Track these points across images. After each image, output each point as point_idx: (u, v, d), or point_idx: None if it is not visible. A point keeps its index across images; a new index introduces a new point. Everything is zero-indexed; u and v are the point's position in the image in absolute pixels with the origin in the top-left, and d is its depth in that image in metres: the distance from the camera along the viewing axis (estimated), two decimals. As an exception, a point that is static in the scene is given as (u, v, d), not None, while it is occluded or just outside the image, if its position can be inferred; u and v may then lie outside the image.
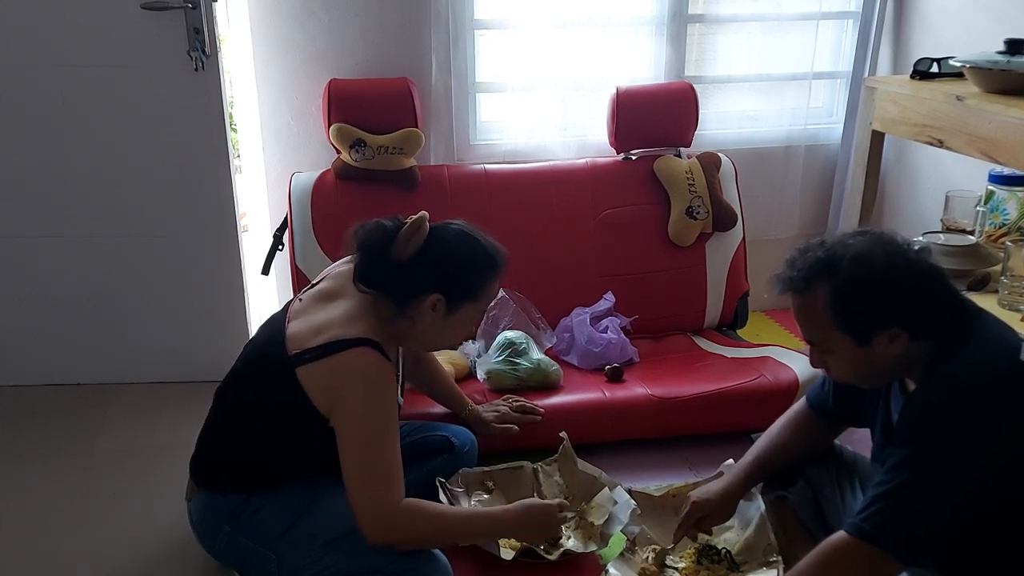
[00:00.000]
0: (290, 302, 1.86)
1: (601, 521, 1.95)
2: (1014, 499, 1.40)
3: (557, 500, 1.93)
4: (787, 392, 2.38)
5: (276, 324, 1.80)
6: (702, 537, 1.90)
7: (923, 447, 1.41)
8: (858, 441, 1.84)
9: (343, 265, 1.86)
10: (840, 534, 1.45)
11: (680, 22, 2.97)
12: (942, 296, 1.48)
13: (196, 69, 2.48)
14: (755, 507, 1.89)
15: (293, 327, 1.74)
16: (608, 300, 2.72)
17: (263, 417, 1.75)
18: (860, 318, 1.46)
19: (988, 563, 1.47)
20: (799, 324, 1.55)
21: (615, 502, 1.97)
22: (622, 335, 2.60)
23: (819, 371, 1.61)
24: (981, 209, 2.50)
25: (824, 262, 1.47)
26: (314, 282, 1.89)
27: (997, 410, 1.38)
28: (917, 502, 1.40)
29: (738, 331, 2.92)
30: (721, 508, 1.79)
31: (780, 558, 1.81)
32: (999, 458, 1.37)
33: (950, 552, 1.43)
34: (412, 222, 1.72)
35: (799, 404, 1.82)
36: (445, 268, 1.74)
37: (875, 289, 1.44)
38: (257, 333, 1.91)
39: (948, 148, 2.27)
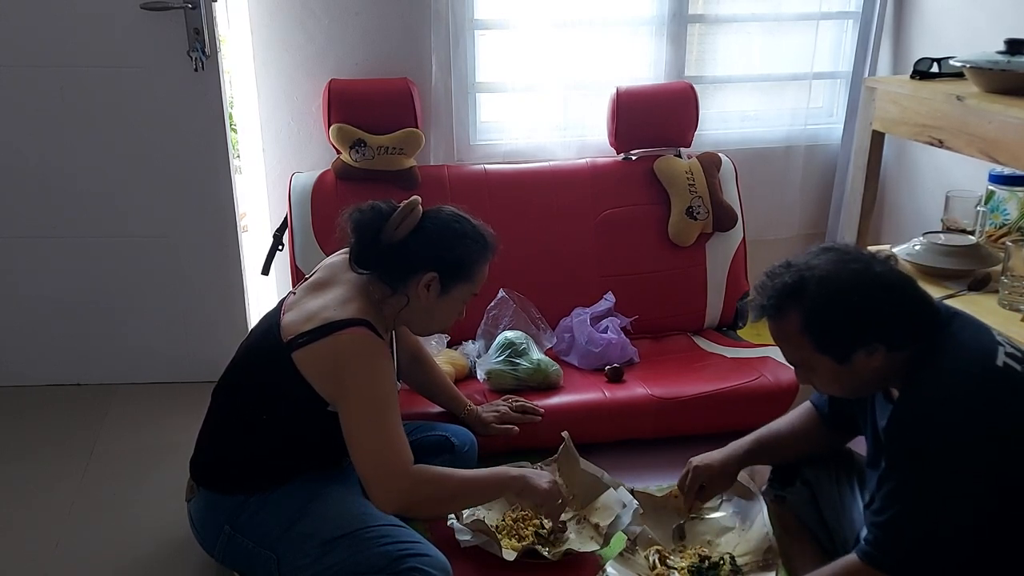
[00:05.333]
0: (285, 297, 1.87)
1: (607, 522, 1.95)
2: (1016, 510, 1.40)
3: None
4: (787, 392, 2.38)
5: (271, 318, 1.82)
6: (701, 537, 1.90)
7: (911, 470, 1.42)
8: (856, 442, 1.84)
9: (335, 257, 1.90)
10: (853, 559, 1.47)
11: (680, 22, 2.97)
12: (913, 305, 1.48)
13: (196, 69, 2.48)
14: (757, 508, 1.89)
15: (288, 317, 1.76)
16: (608, 300, 2.72)
17: (262, 410, 1.76)
18: (836, 339, 1.47)
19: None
20: (779, 348, 1.57)
21: (623, 504, 1.97)
22: (622, 335, 2.60)
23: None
24: (981, 209, 2.50)
25: (791, 287, 1.48)
26: (307, 276, 1.91)
27: (977, 420, 1.38)
28: (920, 527, 1.41)
29: (738, 331, 2.92)
30: (720, 476, 1.81)
31: (780, 562, 1.81)
32: (988, 468, 1.38)
33: (964, 569, 1.44)
34: (406, 204, 1.77)
35: (806, 403, 1.83)
36: (439, 246, 1.78)
37: (846, 309, 1.45)
38: (252, 329, 1.93)
39: (948, 148, 2.27)
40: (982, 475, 1.38)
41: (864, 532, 1.49)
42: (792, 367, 1.60)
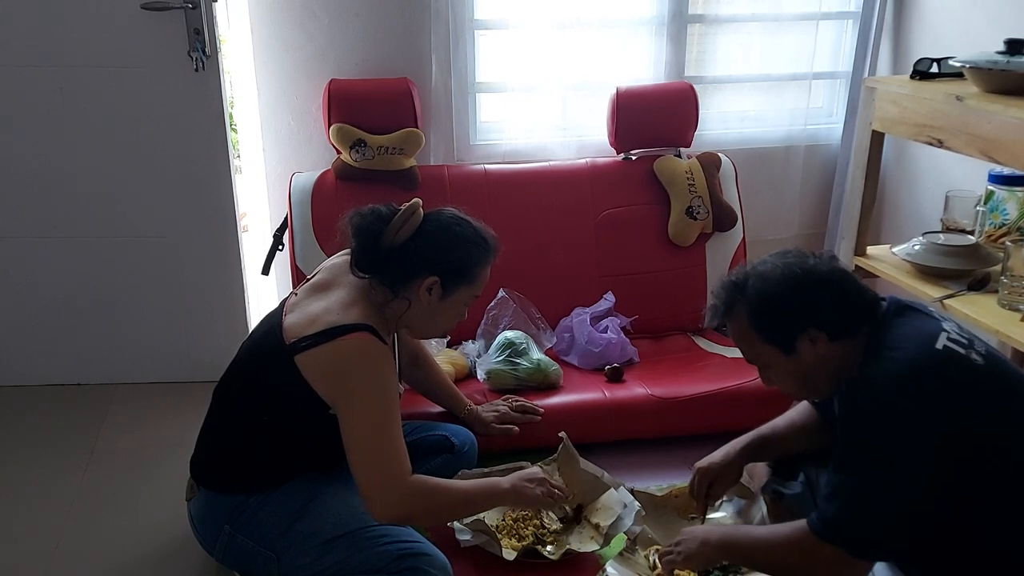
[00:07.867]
0: (286, 298, 1.87)
1: (607, 522, 1.96)
2: (962, 493, 1.44)
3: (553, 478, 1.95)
4: (787, 392, 2.38)
5: (273, 319, 1.81)
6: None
7: (856, 446, 1.48)
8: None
9: (337, 258, 1.89)
10: (803, 527, 1.51)
11: (680, 22, 2.97)
12: (847, 294, 1.58)
13: (196, 69, 2.48)
14: (758, 508, 1.89)
15: (290, 319, 1.75)
16: (608, 300, 2.72)
17: (263, 410, 1.76)
18: (776, 327, 1.58)
19: (952, 559, 1.51)
20: (739, 348, 1.67)
21: (623, 504, 1.98)
22: (622, 335, 2.60)
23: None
24: (981, 209, 2.50)
25: (735, 286, 1.61)
26: (309, 276, 1.91)
27: (914, 396, 1.44)
28: (863, 502, 1.46)
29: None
30: (726, 471, 1.84)
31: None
32: (930, 450, 1.42)
33: (910, 547, 1.49)
34: (407, 207, 1.76)
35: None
36: (440, 249, 1.76)
37: (780, 296, 1.57)
38: (254, 330, 1.92)
39: (948, 148, 2.27)
40: (922, 447, 1.42)
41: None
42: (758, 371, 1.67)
